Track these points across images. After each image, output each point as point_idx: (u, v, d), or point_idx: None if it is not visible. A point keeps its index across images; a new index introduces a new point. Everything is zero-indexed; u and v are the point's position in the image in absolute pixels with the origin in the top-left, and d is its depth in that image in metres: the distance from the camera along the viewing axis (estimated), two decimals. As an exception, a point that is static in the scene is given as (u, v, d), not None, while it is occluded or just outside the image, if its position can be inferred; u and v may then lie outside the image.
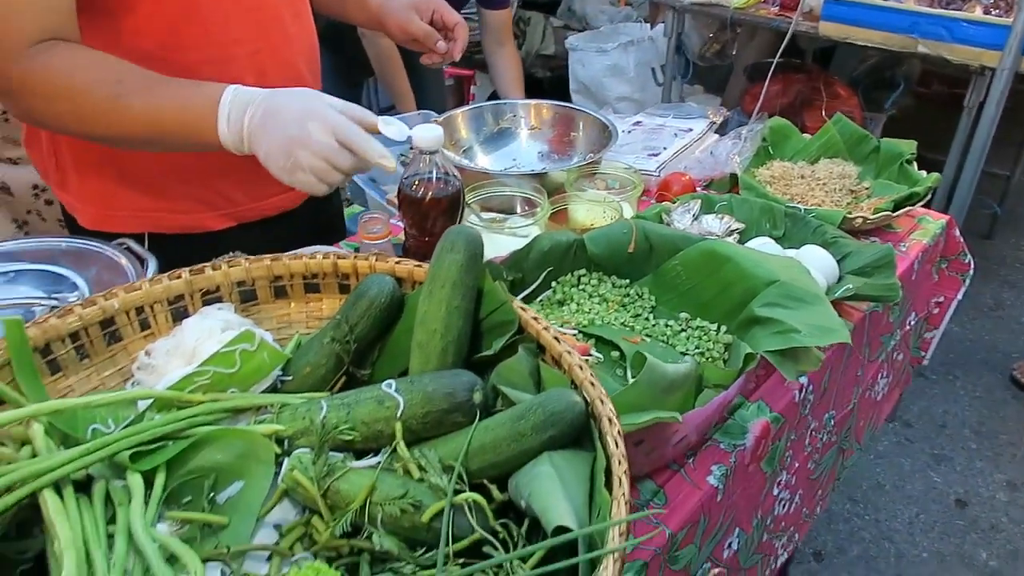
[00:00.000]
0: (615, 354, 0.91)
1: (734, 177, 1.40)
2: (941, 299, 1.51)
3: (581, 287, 1.01)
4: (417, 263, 0.76)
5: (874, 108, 3.17)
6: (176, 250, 0.96)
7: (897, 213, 1.30)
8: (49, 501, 0.54)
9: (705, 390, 0.81)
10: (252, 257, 0.78)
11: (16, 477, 0.54)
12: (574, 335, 0.94)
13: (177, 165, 1.07)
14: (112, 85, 0.87)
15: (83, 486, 0.58)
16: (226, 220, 1.15)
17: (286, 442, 0.63)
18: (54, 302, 0.83)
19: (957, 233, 1.45)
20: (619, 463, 0.54)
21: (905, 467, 2.29)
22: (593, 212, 1.22)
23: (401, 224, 1.07)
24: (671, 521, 0.82)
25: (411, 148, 0.96)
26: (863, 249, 1.15)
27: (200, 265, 0.75)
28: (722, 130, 1.69)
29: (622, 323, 0.96)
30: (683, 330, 0.95)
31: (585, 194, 1.25)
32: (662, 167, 1.49)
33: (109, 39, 0.93)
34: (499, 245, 1.08)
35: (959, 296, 1.49)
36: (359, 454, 0.63)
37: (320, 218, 1.33)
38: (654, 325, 0.96)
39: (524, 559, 0.52)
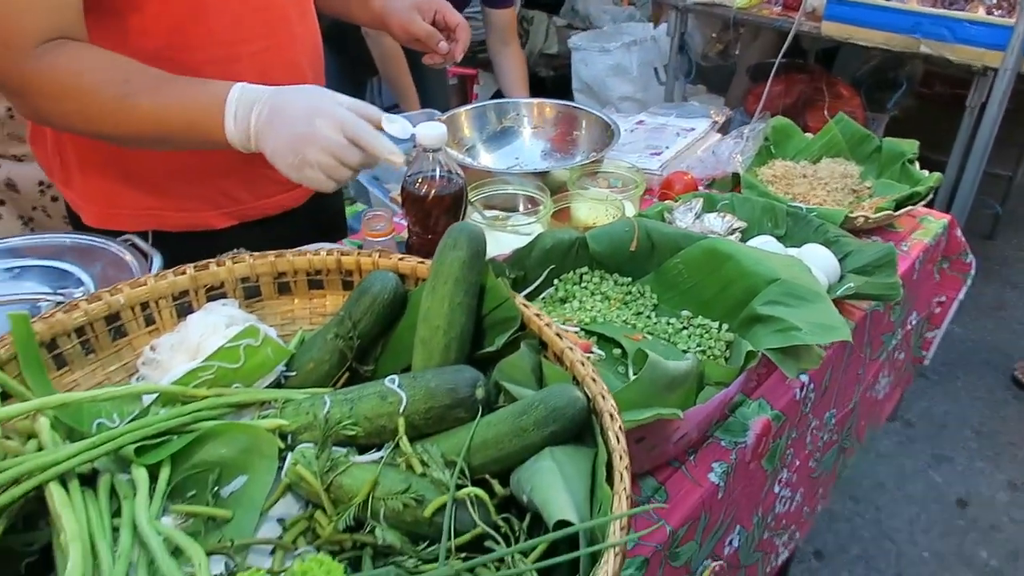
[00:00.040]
0: (617, 352, 0.91)
1: (736, 176, 1.41)
2: (943, 299, 1.51)
3: (583, 285, 1.02)
4: (420, 260, 0.77)
5: (877, 108, 3.17)
6: (179, 248, 0.97)
7: (899, 213, 1.30)
8: (55, 494, 0.54)
9: (706, 387, 0.81)
10: (256, 253, 0.78)
11: (23, 470, 0.55)
12: (576, 333, 0.94)
13: (180, 164, 1.08)
14: (119, 84, 0.88)
15: (88, 480, 0.58)
16: (229, 219, 1.16)
17: (289, 437, 0.64)
18: (60, 298, 0.84)
19: (959, 233, 1.46)
20: (620, 458, 0.54)
21: (906, 467, 2.29)
22: (595, 211, 1.22)
23: (404, 222, 1.08)
24: (672, 518, 0.82)
25: (414, 146, 0.96)
26: (864, 248, 1.16)
27: (204, 261, 0.76)
28: (724, 130, 1.69)
29: (624, 321, 0.97)
30: (684, 328, 0.95)
31: (587, 193, 1.25)
32: (664, 166, 1.50)
33: (116, 39, 0.94)
34: (502, 243, 1.08)
35: (960, 296, 1.49)
36: (362, 449, 0.63)
37: (322, 217, 1.33)
38: (656, 323, 0.97)
39: (526, 553, 0.53)
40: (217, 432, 0.62)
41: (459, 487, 0.57)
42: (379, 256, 0.78)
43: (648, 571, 0.79)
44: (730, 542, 0.98)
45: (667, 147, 1.57)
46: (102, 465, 0.59)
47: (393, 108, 2.58)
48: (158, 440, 0.60)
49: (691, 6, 2.92)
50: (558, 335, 0.67)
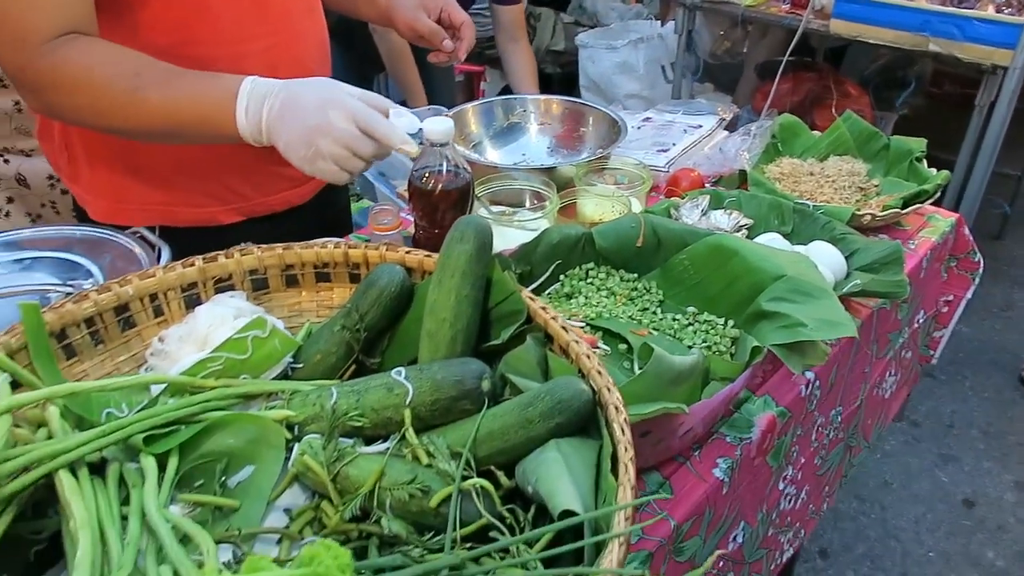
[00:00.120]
0: (622, 347, 0.92)
1: (743, 173, 1.40)
2: (950, 298, 1.51)
3: (589, 280, 1.02)
4: (427, 253, 0.77)
5: (885, 107, 3.15)
6: (186, 243, 0.97)
7: (906, 211, 1.30)
8: (65, 481, 0.55)
9: (712, 383, 0.81)
10: (264, 246, 0.79)
11: (33, 457, 0.55)
12: (582, 328, 0.94)
13: (187, 159, 1.08)
14: (130, 78, 0.88)
15: (97, 468, 0.59)
16: (235, 214, 1.16)
17: (296, 428, 0.64)
18: (69, 289, 0.84)
19: (967, 231, 1.45)
20: (625, 450, 0.55)
21: (912, 466, 2.29)
22: (602, 207, 1.22)
23: (411, 217, 1.08)
24: (676, 513, 0.83)
25: (421, 142, 0.97)
26: (871, 245, 1.15)
27: (213, 253, 0.76)
28: (732, 127, 1.69)
29: (630, 316, 0.97)
30: (690, 324, 0.95)
31: (594, 189, 1.25)
32: (671, 163, 1.50)
33: (126, 35, 0.94)
34: (508, 238, 1.08)
35: (968, 295, 1.49)
36: (368, 440, 0.64)
37: (327, 213, 1.34)
38: (661, 319, 0.97)
39: (531, 543, 0.53)
40: (225, 422, 0.63)
41: (465, 478, 0.57)
42: (386, 249, 0.78)
43: (652, 566, 0.79)
44: (734, 538, 0.98)
45: (674, 144, 1.57)
46: (111, 454, 0.59)
47: (400, 104, 2.58)
48: (166, 430, 0.61)
49: (699, 4, 2.91)
50: (564, 328, 0.67)
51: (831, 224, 1.20)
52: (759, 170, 1.44)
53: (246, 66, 1.01)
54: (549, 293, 1.01)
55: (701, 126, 1.65)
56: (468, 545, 0.55)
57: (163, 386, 0.66)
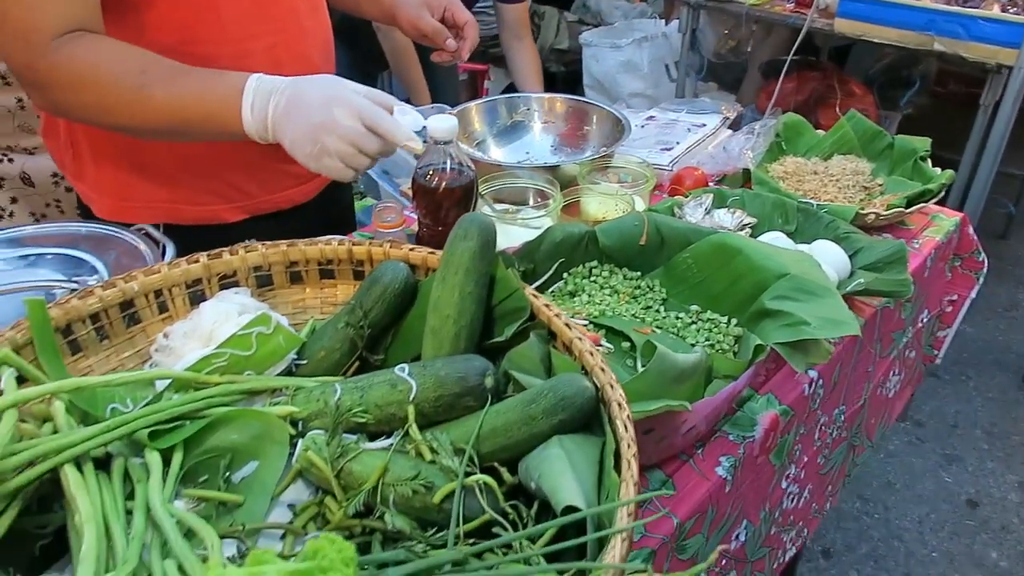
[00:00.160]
0: (626, 345, 0.92)
1: (747, 172, 1.40)
2: (954, 297, 1.50)
3: (592, 279, 1.02)
4: (431, 250, 0.77)
5: (890, 107, 3.15)
6: (190, 241, 0.97)
7: (910, 210, 1.30)
8: (70, 476, 0.55)
9: (714, 381, 0.81)
10: (269, 243, 0.79)
11: (38, 452, 0.55)
12: (585, 326, 0.94)
13: (192, 157, 1.09)
14: (136, 75, 0.89)
15: (102, 463, 0.59)
16: (239, 212, 1.16)
17: (300, 424, 0.64)
18: (75, 285, 0.85)
19: (971, 231, 1.45)
20: (628, 446, 0.55)
21: (916, 466, 2.28)
22: (605, 205, 1.22)
23: (415, 215, 1.08)
24: (679, 510, 0.83)
25: (425, 140, 0.97)
26: (875, 244, 1.15)
27: (218, 250, 0.77)
28: (735, 126, 1.69)
29: (633, 315, 0.97)
30: (693, 322, 0.95)
31: (597, 187, 1.25)
32: (675, 161, 1.50)
33: (131, 34, 0.94)
34: (512, 236, 1.09)
35: (972, 295, 1.49)
36: (372, 436, 0.64)
37: (331, 211, 1.34)
38: (665, 317, 0.97)
39: (533, 539, 0.53)
40: (229, 418, 0.63)
41: (468, 474, 0.58)
42: (390, 246, 0.79)
43: (655, 563, 0.80)
44: (737, 536, 0.98)
45: (678, 142, 1.57)
46: (116, 449, 0.60)
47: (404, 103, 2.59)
48: (171, 425, 0.61)
49: (703, 2, 2.91)
50: (567, 325, 0.67)
51: (835, 223, 1.19)
52: (763, 169, 1.44)
53: (250, 64, 1.01)
54: (552, 291, 1.01)
55: (705, 125, 1.65)
56: (471, 541, 0.55)
57: (168, 382, 0.66)
